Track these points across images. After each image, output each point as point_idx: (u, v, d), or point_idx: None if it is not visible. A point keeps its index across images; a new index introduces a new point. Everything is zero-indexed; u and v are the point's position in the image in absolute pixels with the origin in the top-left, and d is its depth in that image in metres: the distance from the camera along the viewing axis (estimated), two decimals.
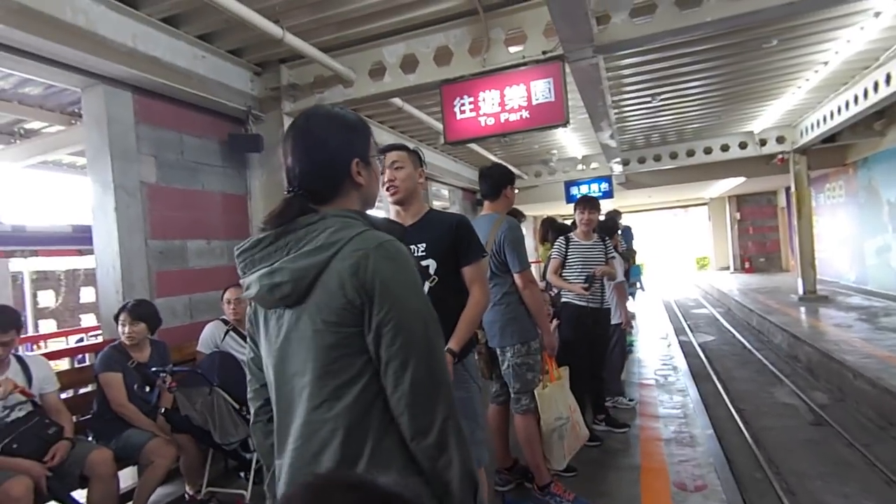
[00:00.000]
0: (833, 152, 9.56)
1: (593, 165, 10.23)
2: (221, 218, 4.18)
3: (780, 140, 9.07)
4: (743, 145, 9.19)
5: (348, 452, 0.89)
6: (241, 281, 1.02)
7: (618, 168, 9.25)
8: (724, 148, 9.29)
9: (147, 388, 2.88)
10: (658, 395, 4.50)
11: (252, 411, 1.14)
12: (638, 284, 6.63)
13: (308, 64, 4.21)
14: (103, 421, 2.79)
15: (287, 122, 4.37)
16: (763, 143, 9.13)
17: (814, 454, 3.81)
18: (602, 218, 4.87)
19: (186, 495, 3.06)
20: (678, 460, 3.13)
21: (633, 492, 2.82)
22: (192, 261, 3.90)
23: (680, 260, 20.72)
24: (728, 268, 16.84)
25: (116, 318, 2.91)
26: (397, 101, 4.99)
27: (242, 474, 3.15)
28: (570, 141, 8.72)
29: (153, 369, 2.82)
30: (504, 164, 3.56)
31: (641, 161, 9.88)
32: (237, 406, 2.82)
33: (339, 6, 3.57)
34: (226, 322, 3.40)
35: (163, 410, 2.84)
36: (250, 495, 2.87)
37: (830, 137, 8.15)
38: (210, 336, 3.34)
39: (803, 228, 9.19)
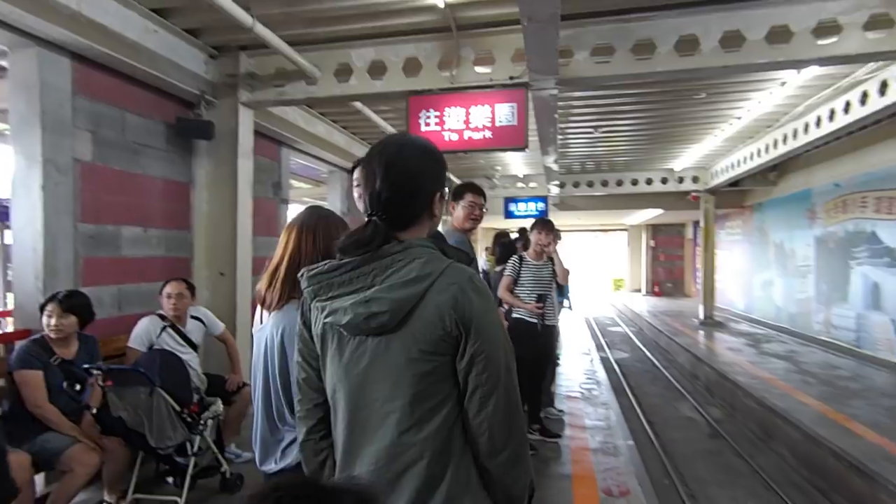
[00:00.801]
0: (736, 195, 10.85)
1: (532, 185, 10.73)
2: (161, 205, 3.91)
3: (695, 179, 10.10)
4: (664, 180, 10.13)
5: (433, 473, 0.93)
6: (315, 304, 0.99)
7: (555, 189, 9.79)
8: (648, 181, 10.17)
9: (77, 387, 2.63)
10: (584, 406, 4.84)
11: (304, 429, 1.11)
12: (566, 302, 7.05)
13: (271, 55, 4.07)
14: (17, 422, 2.51)
15: (242, 111, 4.19)
16: (681, 180, 10.14)
17: (711, 463, 4.31)
18: (515, 235, 5.18)
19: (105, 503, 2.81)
20: (604, 468, 3.40)
21: (566, 499, 3.04)
22: (126, 249, 3.61)
23: (598, 280, 22.15)
24: (640, 290, 18.34)
25: (42, 308, 2.64)
26: (358, 103, 4.96)
27: (172, 480, 2.98)
28: (514, 160, 9.10)
29: (85, 367, 2.59)
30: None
31: (576, 185, 10.53)
32: (178, 408, 2.67)
33: (313, 3, 3.51)
34: (163, 318, 3.19)
35: (94, 411, 2.61)
36: (184, 501, 2.72)
37: (735, 182, 9.25)
38: (145, 331, 3.12)
39: (707, 260, 10.31)
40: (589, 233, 21.60)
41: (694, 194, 10.44)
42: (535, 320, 3.68)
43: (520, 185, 10.79)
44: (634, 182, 10.24)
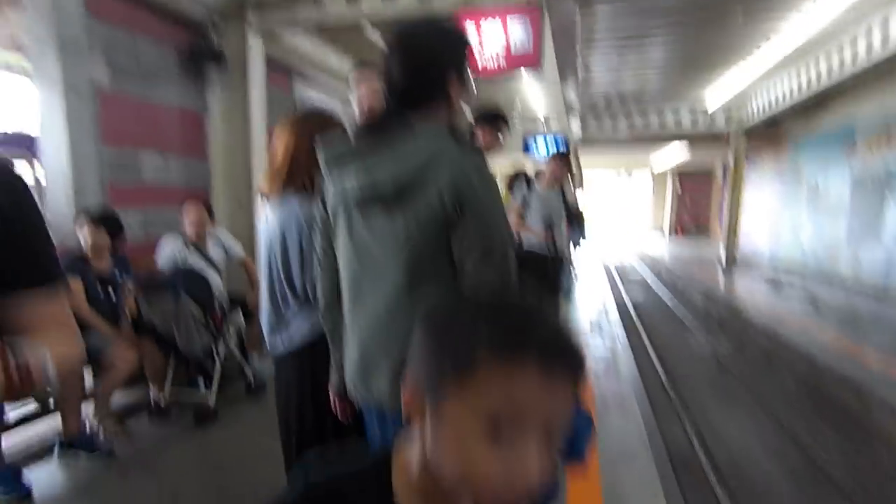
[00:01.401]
0: (770, 134, 10.33)
1: (552, 125, 10.44)
2: (178, 135, 4.01)
3: (727, 119, 9.63)
4: (693, 119, 9.70)
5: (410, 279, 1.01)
6: (327, 175, 1.08)
7: (576, 126, 9.52)
8: (676, 118, 9.76)
9: (111, 296, 2.86)
10: (592, 339, 4.96)
11: (322, 294, 1.24)
12: (579, 238, 7.03)
13: None
14: None
15: (251, 36, 4.17)
16: (712, 119, 9.68)
17: (715, 390, 4.44)
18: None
19: (151, 401, 3.09)
20: (605, 389, 3.55)
21: None
22: (148, 175, 3.76)
23: (620, 221, 21.88)
24: (663, 232, 18.09)
25: (76, 224, 2.83)
26: (371, 32, 4.85)
27: (202, 383, 3.26)
28: (534, 98, 8.81)
29: (117, 275, 2.81)
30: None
31: (598, 121, 10.20)
32: (202, 316, 2.89)
33: None
34: (183, 238, 3.37)
35: (128, 318, 2.86)
36: (214, 400, 3.00)
37: (771, 121, 8.78)
38: (170, 252, 3.31)
39: (733, 201, 10.01)
40: (612, 170, 21.02)
41: (725, 133, 10.00)
42: (545, 252, 3.71)
43: (541, 125, 10.51)
44: (661, 118, 9.84)
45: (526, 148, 9.86)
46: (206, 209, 3.41)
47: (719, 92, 8.60)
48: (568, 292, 6.32)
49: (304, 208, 1.48)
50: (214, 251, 3.47)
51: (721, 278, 8.87)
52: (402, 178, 0.98)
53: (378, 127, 1.03)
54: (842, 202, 8.05)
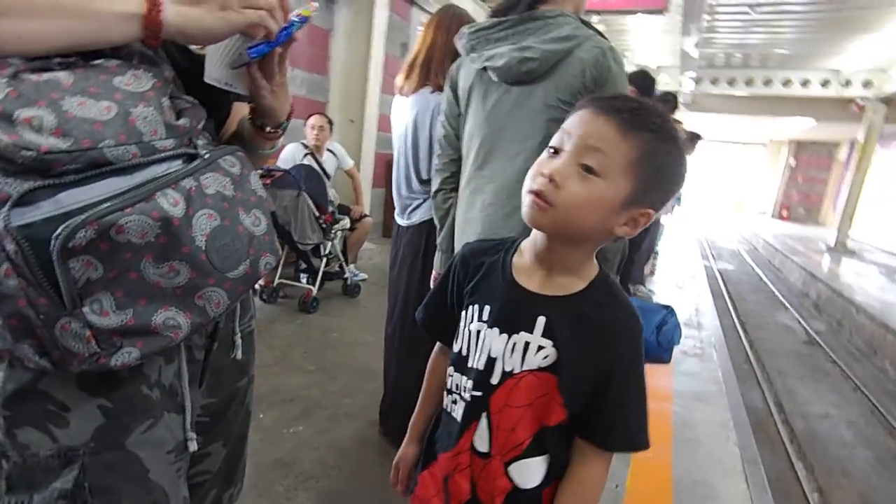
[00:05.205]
0: None
1: (663, 78, 9.74)
2: (304, 48, 4.30)
3: (866, 84, 8.47)
4: (825, 83, 8.63)
5: None
6: (470, 56, 1.20)
7: (689, 84, 8.84)
8: (805, 82, 8.74)
9: None
10: (674, 295, 4.88)
11: (439, 180, 1.39)
12: (677, 198, 6.74)
13: None
14: None
15: None
16: (847, 83, 8.56)
17: (798, 362, 4.26)
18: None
19: (259, 285, 3.54)
20: (684, 338, 3.55)
21: None
22: None
23: (717, 199, 20.33)
24: (765, 213, 16.61)
25: None
26: None
27: (306, 279, 3.67)
28: (646, 47, 8.26)
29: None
30: None
31: (714, 82, 9.37)
32: (317, 213, 3.24)
33: None
34: (305, 146, 3.71)
35: None
36: (317, 290, 3.39)
37: None
38: (291, 155, 3.66)
39: (856, 181, 8.96)
40: (718, 144, 19.38)
41: (859, 102, 8.82)
42: None
43: None
44: (787, 82, 8.84)
45: None
46: (328, 121, 3.71)
47: (859, 55, 7.54)
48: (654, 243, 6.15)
49: (438, 103, 1.63)
50: (328, 160, 3.79)
51: (827, 261, 8.15)
52: (549, 53, 1.09)
53: (514, 10, 1.13)
54: None
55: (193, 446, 0.64)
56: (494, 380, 0.66)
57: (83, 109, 0.47)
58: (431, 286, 1.41)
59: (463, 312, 0.71)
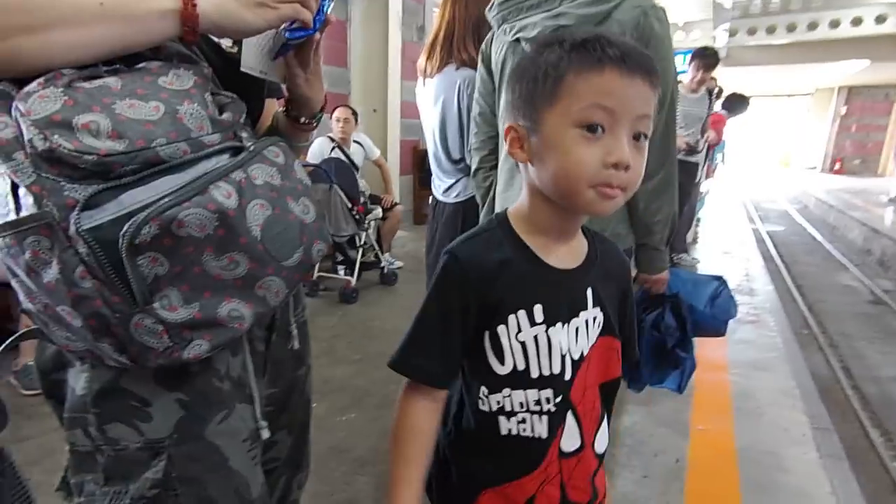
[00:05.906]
0: None
1: (693, 35, 9.24)
2: (322, 42, 4.27)
3: None
4: (881, 19, 7.95)
5: None
6: (502, 27, 1.15)
7: (723, 37, 8.36)
8: (856, 21, 8.08)
9: None
10: (721, 260, 4.67)
11: (478, 158, 1.36)
12: (720, 157, 6.41)
13: None
14: None
15: None
16: None
17: (864, 323, 4.00)
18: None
19: None
20: (738, 303, 3.39)
21: None
22: None
23: (761, 157, 19.26)
24: (815, 167, 15.62)
25: None
26: None
27: (343, 270, 3.71)
28: (673, 1, 7.83)
29: None
30: None
31: (751, 32, 8.82)
32: (349, 205, 3.25)
33: None
34: (332, 139, 3.72)
35: None
36: (355, 281, 3.42)
37: None
38: (318, 150, 3.69)
39: None
40: (757, 99, 18.31)
41: None
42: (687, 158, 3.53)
43: (679, 34, 9.36)
44: (835, 24, 8.21)
45: None
46: (352, 112, 3.71)
47: None
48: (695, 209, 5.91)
49: (464, 79, 1.57)
50: (356, 151, 3.80)
51: (891, 214, 7.59)
52: (585, 17, 1.03)
53: None
54: None
55: (266, 434, 0.66)
56: (567, 375, 0.64)
57: (134, 111, 0.49)
58: None
59: (501, 328, 0.62)
